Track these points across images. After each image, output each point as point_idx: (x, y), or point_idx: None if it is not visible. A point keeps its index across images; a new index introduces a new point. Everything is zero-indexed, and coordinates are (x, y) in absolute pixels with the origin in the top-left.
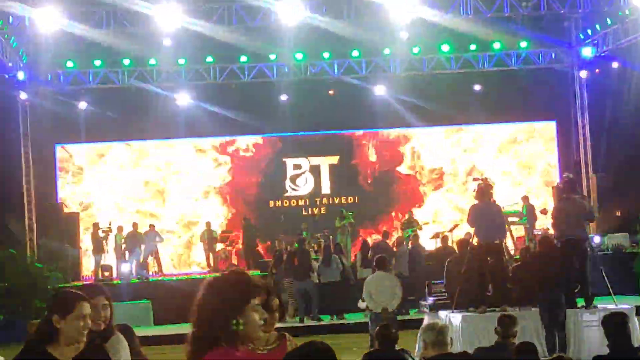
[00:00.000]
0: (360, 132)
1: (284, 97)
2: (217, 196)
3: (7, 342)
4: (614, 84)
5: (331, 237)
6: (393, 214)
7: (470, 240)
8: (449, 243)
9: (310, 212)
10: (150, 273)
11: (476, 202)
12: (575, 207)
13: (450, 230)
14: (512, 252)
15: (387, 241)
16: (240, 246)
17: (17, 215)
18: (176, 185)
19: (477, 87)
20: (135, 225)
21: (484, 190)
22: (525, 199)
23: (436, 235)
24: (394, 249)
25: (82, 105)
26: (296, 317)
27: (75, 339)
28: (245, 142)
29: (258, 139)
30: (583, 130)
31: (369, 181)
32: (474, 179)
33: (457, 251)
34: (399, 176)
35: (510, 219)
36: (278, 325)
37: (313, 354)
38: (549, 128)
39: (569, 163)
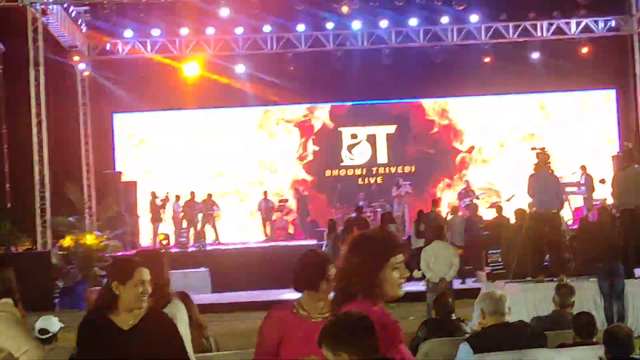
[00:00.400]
0: (416, 101)
1: (340, 66)
2: (283, 166)
3: (66, 308)
4: None
5: (387, 206)
6: (440, 184)
7: (529, 209)
8: (504, 213)
9: (366, 182)
10: (208, 242)
11: (534, 172)
12: (635, 176)
13: (508, 200)
14: (569, 222)
15: (437, 210)
16: (296, 215)
17: (76, 184)
18: (237, 155)
19: (535, 56)
20: (192, 194)
21: (542, 160)
22: (584, 168)
23: (493, 206)
24: (447, 219)
25: (141, 75)
26: None
27: (135, 305)
28: (303, 112)
29: (315, 108)
30: None
31: (422, 150)
32: (532, 149)
33: (513, 221)
34: (452, 146)
35: (568, 189)
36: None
37: (351, 323)
38: (608, 97)
39: (628, 132)
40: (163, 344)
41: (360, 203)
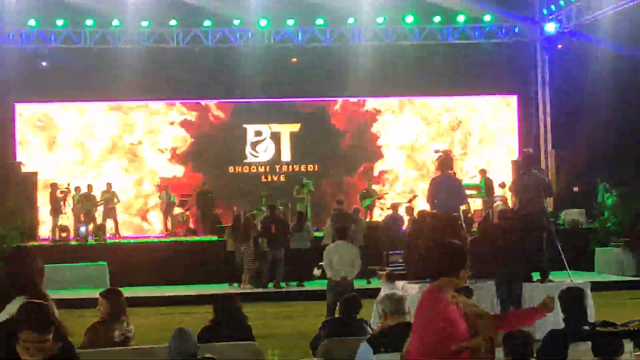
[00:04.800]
0: (322, 100)
1: (246, 63)
2: (177, 160)
3: None
4: (576, 60)
5: (289, 204)
6: (344, 183)
7: (429, 211)
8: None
9: (269, 179)
10: (107, 235)
11: (436, 175)
12: (534, 181)
13: (409, 201)
14: (470, 225)
15: (343, 208)
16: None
17: None
18: (137, 148)
19: (439, 60)
20: (90, 187)
21: (445, 162)
22: (483, 172)
23: (393, 206)
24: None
25: (44, 64)
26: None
27: None
28: (207, 107)
29: (220, 104)
30: (544, 106)
31: (330, 150)
32: (436, 151)
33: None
34: (359, 146)
35: (468, 192)
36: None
37: None
38: (510, 102)
39: (528, 138)
40: None
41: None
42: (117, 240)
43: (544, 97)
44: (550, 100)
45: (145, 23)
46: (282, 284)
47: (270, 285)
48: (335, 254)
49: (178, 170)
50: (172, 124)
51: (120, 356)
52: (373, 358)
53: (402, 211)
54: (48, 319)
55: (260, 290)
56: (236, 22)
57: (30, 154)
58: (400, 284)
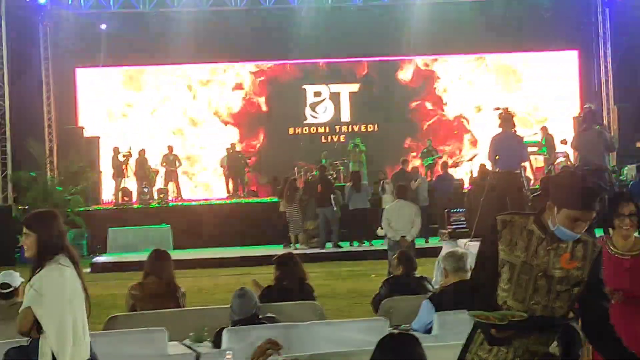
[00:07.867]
0: (382, 59)
1: (304, 24)
2: (237, 123)
3: (26, 263)
4: (637, 14)
5: (350, 164)
6: (403, 143)
7: (491, 169)
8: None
9: (329, 140)
10: (170, 198)
11: (498, 132)
12: (596, 137)
13: (471, 160)
14: (531, 183)
15: (407, 169)
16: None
17: (38, 139)
18: (197, 111)
19: (498, 15)
20: (170, 147)
21: (505, 120)
22: (544, 129)
23: (455, 165)
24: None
25: (103, 28)
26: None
27: None
28: (266, 69)
29: (278, 65)
30: (605, 60)
31: (390, 110)
32: (495, 109)
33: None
34: (418, 105)
35: (529, 149)
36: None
37: None
38: (570, 58)
39: (590, 94)
40: None
41: (323, 162)
42: (179, 203)
43: (605, 52)
44: (612, 55)
45: None
46: (343, 244)
47: (328, 246)
48: (394, 213)
49: (237, 134)
50: (231, 86)
51: (183, 316)
52: (435, 315)
53: (460, 170)
54: None
55: (322, 250)
56: None
57: (92, 119)
58: (462, 242)
